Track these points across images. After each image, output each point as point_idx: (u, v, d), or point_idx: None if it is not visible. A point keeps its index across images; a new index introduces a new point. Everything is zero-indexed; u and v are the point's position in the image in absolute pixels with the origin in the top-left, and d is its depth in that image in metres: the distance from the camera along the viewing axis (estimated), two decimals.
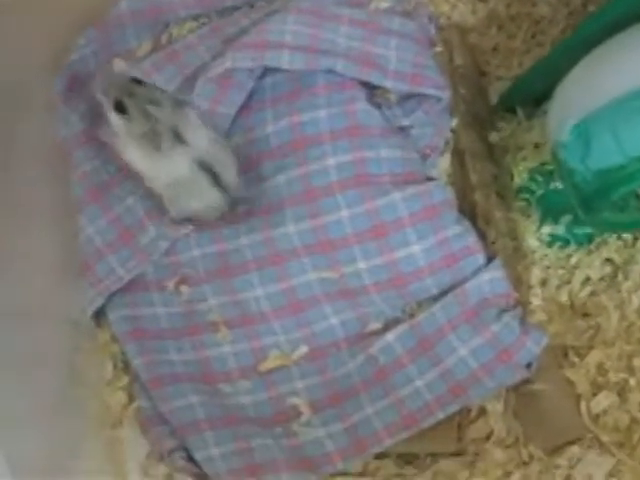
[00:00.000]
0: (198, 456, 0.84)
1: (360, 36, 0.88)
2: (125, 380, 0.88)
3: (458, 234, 0.83)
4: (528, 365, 0.82)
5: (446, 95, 0.87)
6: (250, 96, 0.88)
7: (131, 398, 0.88)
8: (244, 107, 0.88)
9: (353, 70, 0.86)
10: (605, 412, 0.83)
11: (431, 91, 0.86)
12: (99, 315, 0.89)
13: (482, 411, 0.84)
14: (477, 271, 0.83)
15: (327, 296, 0.86)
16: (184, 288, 0.87)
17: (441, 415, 0.82)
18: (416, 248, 0.83)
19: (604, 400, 0.83)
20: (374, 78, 0.87)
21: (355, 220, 0.84)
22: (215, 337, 0.87)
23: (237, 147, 0.87)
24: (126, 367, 0.88)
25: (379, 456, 0.84)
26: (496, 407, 0.84)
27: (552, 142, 0.77)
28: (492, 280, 0.82)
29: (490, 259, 0.84)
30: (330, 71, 0.86)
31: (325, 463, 0.83)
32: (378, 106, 0.87)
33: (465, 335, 0.82)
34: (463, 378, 0.82)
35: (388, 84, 0.87)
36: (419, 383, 0.82)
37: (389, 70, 0.87)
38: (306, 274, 0.85)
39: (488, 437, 0.84)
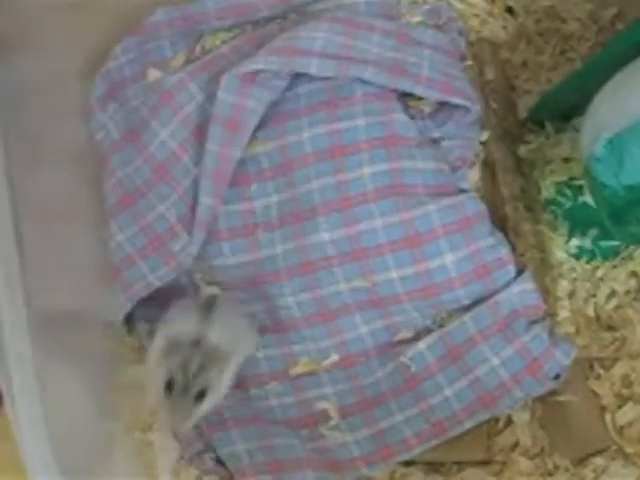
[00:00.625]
0: (223, 452, 0.85)
1: (393, 46, 0.89)
2: None
3: (491, 246, 0.84)
4: (556, 377, 0.83)
5: (475, 107, 0.87)
6: (284, 104, 0.88)
7: None
8: (277, 114, 0.88)
9: (384, 77, 0.86)
10: (630, 424, 0.83)
11: (460, 101, 0.87)
12: (129, 321, 0.90)
13: (509, 421, 0.85)
14: (508, 283, 0.84)
15: (357, 305, 0.86)
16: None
17: (469, 424, 0.83)
18: (449, 259, 0.83)
19: (629, 412, 0.83)
20: (406, 85, 0.87)
21: (389, 229, 0.84)
22: None
23: (268, 152, 0.88)
24: None
25: (406, 464, 0.85)
26: (522, 417, 0.85)
27: (585, 157, 0.78)
28: (522, 292, 0.83)
29: (519, 271, 0.84)
30: (364, 81, 0.86)
31: (349, 467, 0.84)
32: (411, 117, 0.88)
33: (497, 346, 0.83)
34: (493, 388, 0.82)
35: (419, 91, 0.87)
36: (448, 392, 0.83)
37: (421, 77, 0.87)
38: (337, 284, 0.86)
39: (514, 447, 0.85)
